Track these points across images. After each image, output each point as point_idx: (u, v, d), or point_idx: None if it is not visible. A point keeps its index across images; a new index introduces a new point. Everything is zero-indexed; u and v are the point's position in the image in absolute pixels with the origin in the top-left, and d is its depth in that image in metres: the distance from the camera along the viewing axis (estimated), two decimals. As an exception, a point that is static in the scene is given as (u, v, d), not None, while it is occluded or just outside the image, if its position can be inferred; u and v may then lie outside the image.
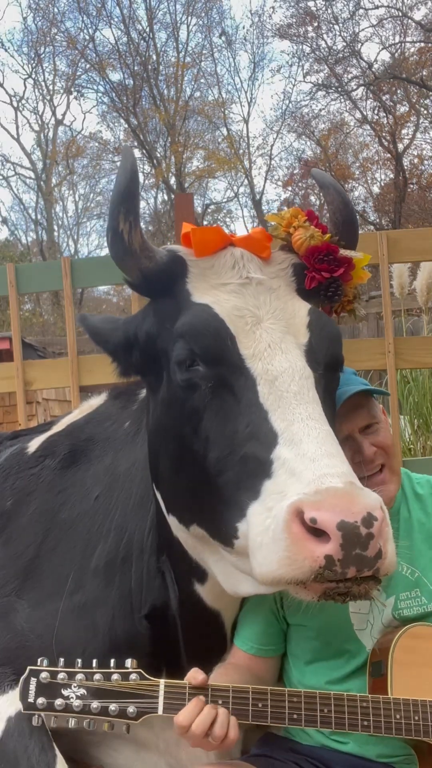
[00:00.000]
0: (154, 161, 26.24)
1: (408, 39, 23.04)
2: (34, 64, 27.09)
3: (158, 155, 26.56)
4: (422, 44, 22.54)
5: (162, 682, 1.70)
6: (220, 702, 1.68)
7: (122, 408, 2.43)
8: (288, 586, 1.48)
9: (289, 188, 27.08)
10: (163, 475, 1.89)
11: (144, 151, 25.73)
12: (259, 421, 1.60)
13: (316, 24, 23.88)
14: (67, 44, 26.06)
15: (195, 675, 1.70)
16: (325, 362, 1.76)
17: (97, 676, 1.69)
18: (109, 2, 25.54)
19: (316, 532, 1.40)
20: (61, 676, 1.69)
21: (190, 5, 26.03)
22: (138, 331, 1.88)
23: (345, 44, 23.57)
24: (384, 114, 24.15)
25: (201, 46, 26.71)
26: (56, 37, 26.27)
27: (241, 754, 2.02)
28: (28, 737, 1.89)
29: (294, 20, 24.29)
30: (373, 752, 1.88)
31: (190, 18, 26.20)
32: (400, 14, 22.85)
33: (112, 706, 1.66)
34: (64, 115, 34.30)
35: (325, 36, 23.94)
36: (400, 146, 24.13)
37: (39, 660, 1.72)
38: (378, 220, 24.47)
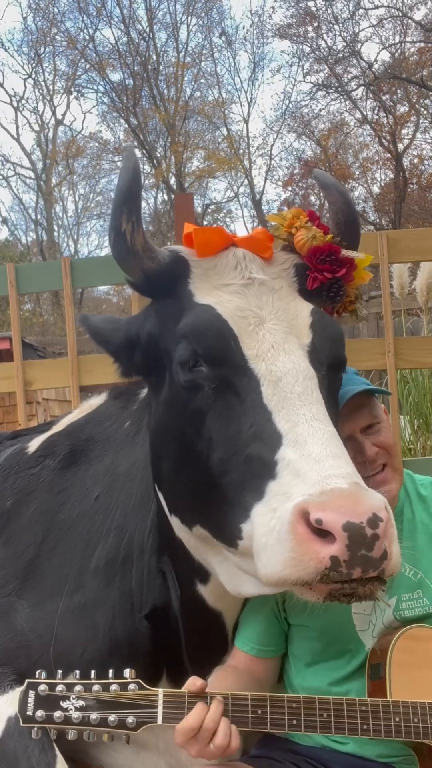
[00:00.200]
0: (154, 161, 26.22)
1: (408, 39, 23.10)
2: (34, 64, 27.15)
3: (158, 155, 26.56)
4: (422, 44, 22.56)
5: (161, 691, 1.69)
6: None
7: (122, 408, 2.42)
8: (293, 587, 1.48)
9: (289, 188, 27.14)
10: (166, 475, 1.89)
11: (144, 151, 25.72)
12: (263, 421, 1.60)
13: (316, 24, 23.90)
14: (67, 44, 26.09)
15: (194, 682, 1.69)
16: (328, 363, 1.75)
17: (95, 688, 1.68)
18: (109, 2, 25.59)
19: (322, 533, 1.40)
20: (59, 688, 1.67)
21: (190, 5, 26.07)
22: (140, 331, 1.88)
23: (345, 44, 23.61)
24: (384, 114, 24.16)
25: (201, 46, 26.79)
26: (56, 37, 26.35)
27: (241, 755, 2.01)
28: (28, 737, 1.88)
29: (294, 20, 24.35)
30: (373, 752, 1.87)
31: (190, 18, 26.26)
32: (400, 14, 22.89)
33: (112, 717, 1.65)
34: (64, 115, 34.40)
35: (325, 36, 24.01)
36: (400, 146, 24.15)
37: (37, 672, 1.71)
38: (378, 220, 24.47)
